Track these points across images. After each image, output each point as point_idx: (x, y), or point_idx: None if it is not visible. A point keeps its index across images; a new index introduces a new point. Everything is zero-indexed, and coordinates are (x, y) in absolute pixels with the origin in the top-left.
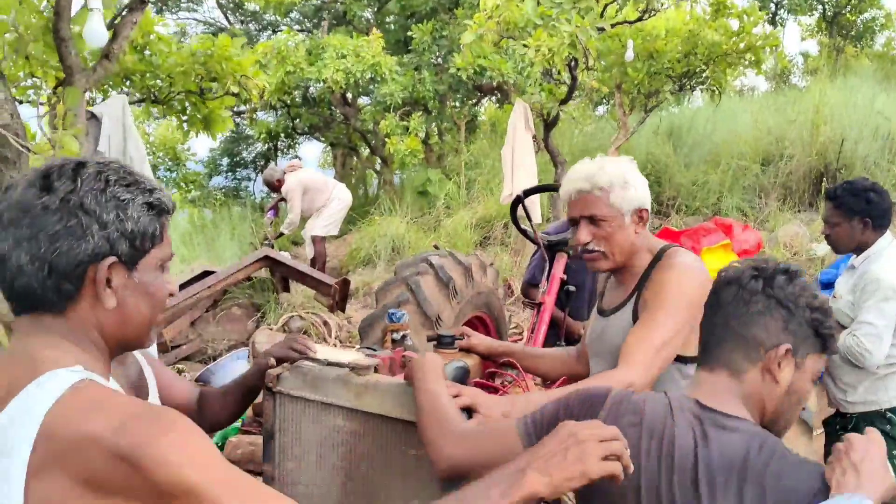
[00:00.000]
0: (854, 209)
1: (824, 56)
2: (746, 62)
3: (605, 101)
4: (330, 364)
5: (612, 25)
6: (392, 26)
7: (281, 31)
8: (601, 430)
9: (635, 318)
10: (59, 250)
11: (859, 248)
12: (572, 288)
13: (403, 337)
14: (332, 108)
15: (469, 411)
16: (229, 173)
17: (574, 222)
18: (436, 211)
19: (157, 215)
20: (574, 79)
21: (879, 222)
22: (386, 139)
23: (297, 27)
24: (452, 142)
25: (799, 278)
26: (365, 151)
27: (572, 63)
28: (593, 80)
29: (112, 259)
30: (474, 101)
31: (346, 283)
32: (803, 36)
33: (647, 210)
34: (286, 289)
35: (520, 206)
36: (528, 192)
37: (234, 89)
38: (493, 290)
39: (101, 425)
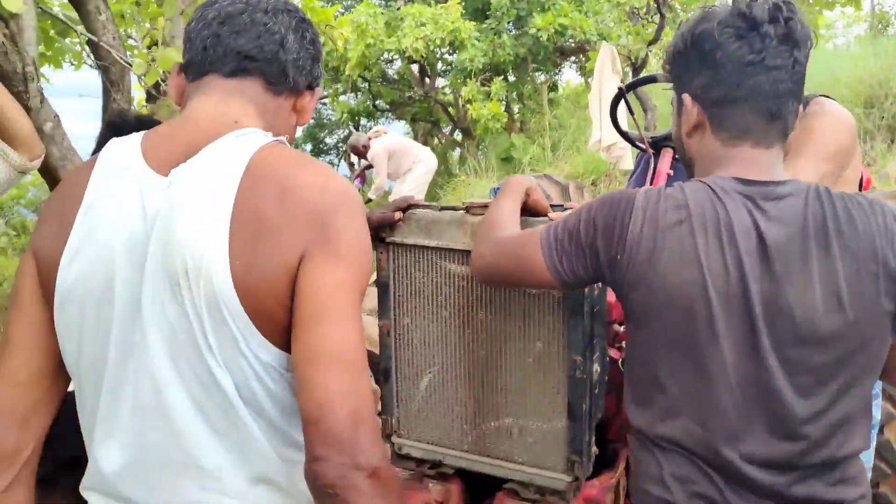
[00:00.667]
0: None
1: None
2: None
3: None
4: (444, 209)
5: None
6: None
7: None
8: None
9: None
10: (310, 50)
11: None
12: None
13: None
14: (412, 87)
15: None
16: None
17: None
18: (521, 174)
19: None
20: (662, 16)
21: None
22: (468, 105)
23: (375, 0)
24: (535, 106)
25: None
26: (446, 128)
27: (660, 0)
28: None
29: (318, 87)
30: (556, 65)
31: None
32: None
33: None
34: None
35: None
36: (632, 86)
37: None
38: None
39: (309, 176)
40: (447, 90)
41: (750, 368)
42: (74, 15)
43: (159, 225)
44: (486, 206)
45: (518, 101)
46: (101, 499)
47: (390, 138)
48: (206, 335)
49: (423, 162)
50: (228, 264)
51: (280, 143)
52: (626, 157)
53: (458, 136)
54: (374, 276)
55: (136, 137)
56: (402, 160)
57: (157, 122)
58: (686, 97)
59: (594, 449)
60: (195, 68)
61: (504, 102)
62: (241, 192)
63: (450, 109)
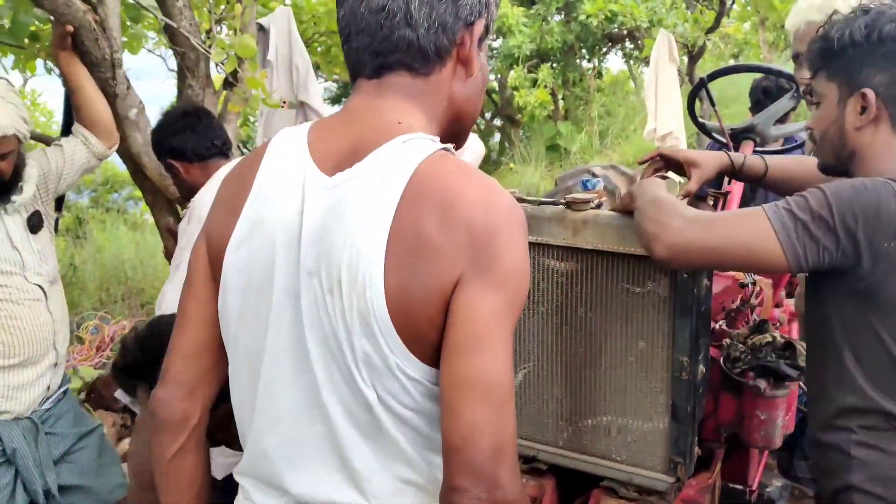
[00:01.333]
0: None
1: None
2: None
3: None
4: (542, 203)
5: None
6: None
7: None
8: None
9: None
10: (449, 2)
11: None
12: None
13: (599, 206)
14: None
15: None
16: None
17: (798, 58)
18: (568, 163)
19: None
20: (722, 4)
21: None
22: (514, 92)
23: None
24: (581, 93)
25: None
26: (488, 112)
27: None
28: (729, 27)
29: (484, 22)
30: (604, 51)
31: None
32: None
33: None
34: None
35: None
36: (714, 75)
37: None
38: None
39: (473, 192)
40: (491, 76)
41: None
42: (148, 1)
43: (318, 227)
44: (587, 202)
45: (564, 88)
46: (257, 486)
47: None
48: (353, 346)
49: (471, 150)
50: (382, 281)
51: (446, 151)
52: (681, 147)
53: (497, 122)
54: None
55: (305, 127)
56: None
57: None
58: (870, 92)
59: (696, 450)
60: (350, 74)
61: (550, 89)
62: (403, 205)
63: (494, 96)
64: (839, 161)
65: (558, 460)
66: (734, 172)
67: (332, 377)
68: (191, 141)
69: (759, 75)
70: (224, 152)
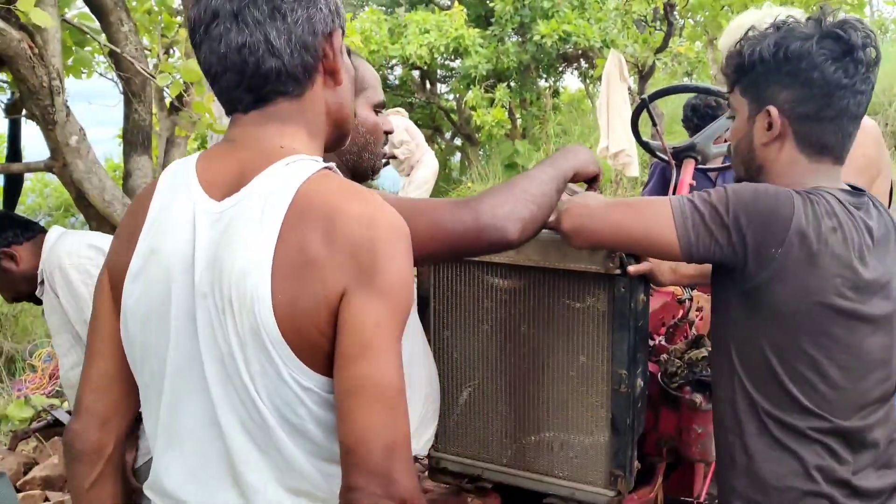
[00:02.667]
0: None
1: None
2: (849, 6)
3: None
4: None
5: None
6: (472, 2)
7: (363, 11)
8: None
9: None
10: (300, 19)
11: None
12: None
13: None
14: (414, 93)
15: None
16: None
17: None
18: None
19: None
20: (670, 24)
21: None
22: (472, 111)
23: (377, 7)
24: (538, 112)
25: None
26: (447, 132)
27: (668, 8)
28: (680, 46)
29: (339, 28)
30: (560, 70)
31: None
32: None
33: None
34: None
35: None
36: (655, 96)
37: None
38: None
39: (354, 208)
40: (449, 96)
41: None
42: (93, 25)
43: (209, 251)
44: None
45: (521, 107)
46: (163, 500)
47: (408, 121)
48: (248, 361)
49: (427, 165)
50: (270, 296)
51: (329, 170)
52: (633, 165)
53: (458, 142)
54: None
55: (194, 157)
56: (415, 151)
57: None
58: (773, 109)
59: (636, 464)
60: (226, 110)
61: (507, 109)
62: (287, 224)
63: (452, 115)
64: (749, 174)
65: (503, 478)
66: None
67: (229, 395)
68: None
69: (691, 95)
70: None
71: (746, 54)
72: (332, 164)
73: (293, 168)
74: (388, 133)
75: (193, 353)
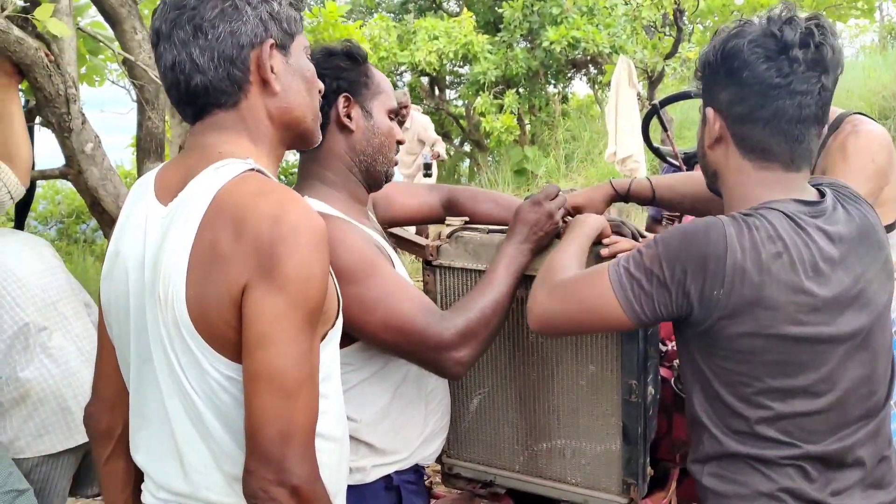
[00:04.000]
0: None
1: None
2: (858, 11)
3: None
4: (492, 231)
5: None
6: (481, 8)
7: (372, 18)
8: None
9: None
10: (223, 34)
11: None
12: None
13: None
14: (423, 99)
15: None
16: None
17: None
18: (535, 187)
19: (292, 5)
20: (679, 30)
21: None
22: (481, 117)
23: (386, 14)
24: (547, 118)
25: None
26: (456, 139)
27: (677, 13)
28: (690, 51)
29: (271, 41)
30: (569, 76)
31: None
32: None
33: None
34: None
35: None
36: (666, 102)
37: None
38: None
39: (263, 207)
40: (458, 102)
41: None
42: (106, 33)
43: (154, 251)
44: None
45: (530, 113)
46: (146, 473)
47: (422, 116)
48: (176, 352)
49: (421, 124)
50: (184, 292)
51: (253, 172)
52: (641, 170)
53: (467, 148)
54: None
55: (160, 166)
56: (422, 143)
57: None
58: (710, 111)
59: (649, 470)
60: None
61: (516, 115)
62: (203, 224)
63: (461, 121)
64: (710, 182)
65: (515, 484)
66: (624, 198)
67: (172, 383)
68: None
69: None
70: None
71: (700, 57)
72: (261, 167)
73: (221, 171)
74: (399, 143)
75: (146, 345)
